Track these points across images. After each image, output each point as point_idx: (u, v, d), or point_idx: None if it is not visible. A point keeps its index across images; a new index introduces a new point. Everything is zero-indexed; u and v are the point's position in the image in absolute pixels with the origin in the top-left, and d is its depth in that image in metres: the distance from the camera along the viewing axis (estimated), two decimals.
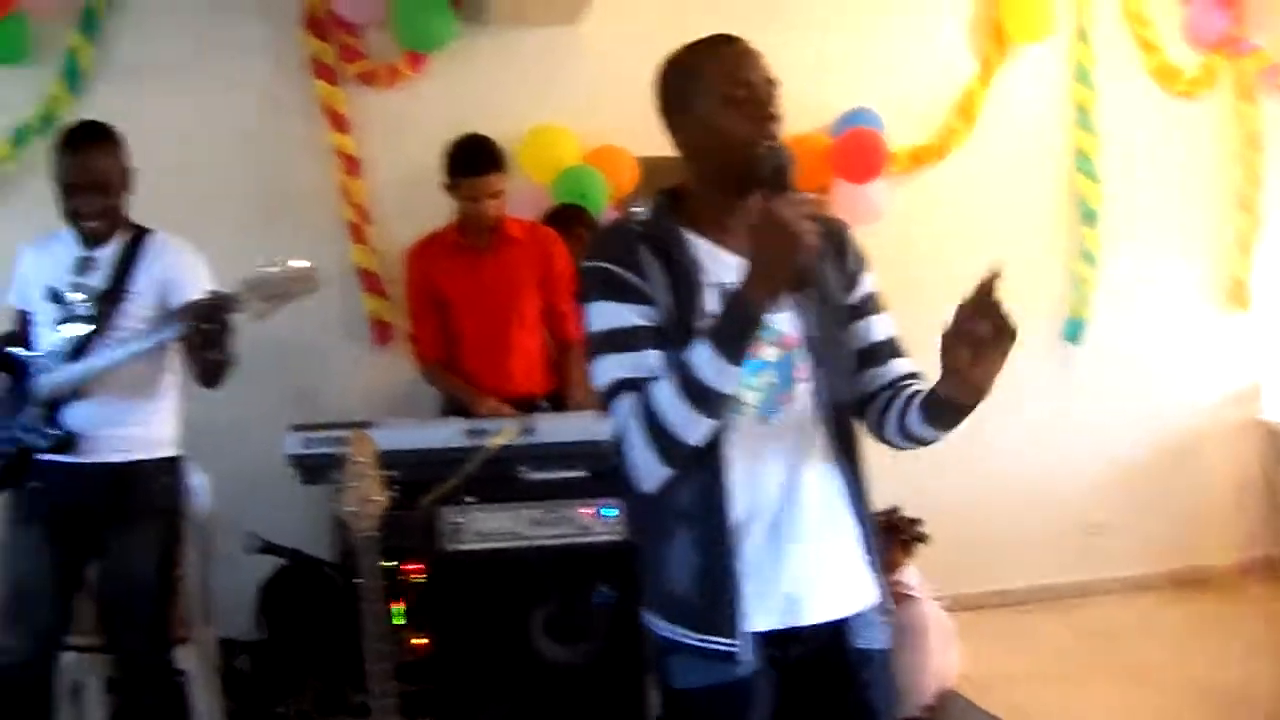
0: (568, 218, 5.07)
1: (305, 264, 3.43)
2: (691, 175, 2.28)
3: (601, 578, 3.94)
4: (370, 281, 5.38)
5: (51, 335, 3.69)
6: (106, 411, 3.68)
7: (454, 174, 4.54)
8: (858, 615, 2.29)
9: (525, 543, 3.92)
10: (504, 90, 5.46)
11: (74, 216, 3.70)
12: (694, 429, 2.06)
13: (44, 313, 3.74)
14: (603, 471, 3.82)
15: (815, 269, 2.12)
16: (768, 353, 2.19)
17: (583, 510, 3.93)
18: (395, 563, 3.71)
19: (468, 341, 4.75)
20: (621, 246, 2.21)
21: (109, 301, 3.66)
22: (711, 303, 2.15)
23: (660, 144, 2.33)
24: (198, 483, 4.16)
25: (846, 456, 2.29)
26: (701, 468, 2.15)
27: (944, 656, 4.50)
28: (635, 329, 2.14)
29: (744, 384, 2.12)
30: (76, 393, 3.65)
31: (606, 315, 2.16)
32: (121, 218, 3.77)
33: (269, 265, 3.39)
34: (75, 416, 3.66)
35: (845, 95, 5.81)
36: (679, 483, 2.15)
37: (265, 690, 4.59)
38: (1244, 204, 6.47)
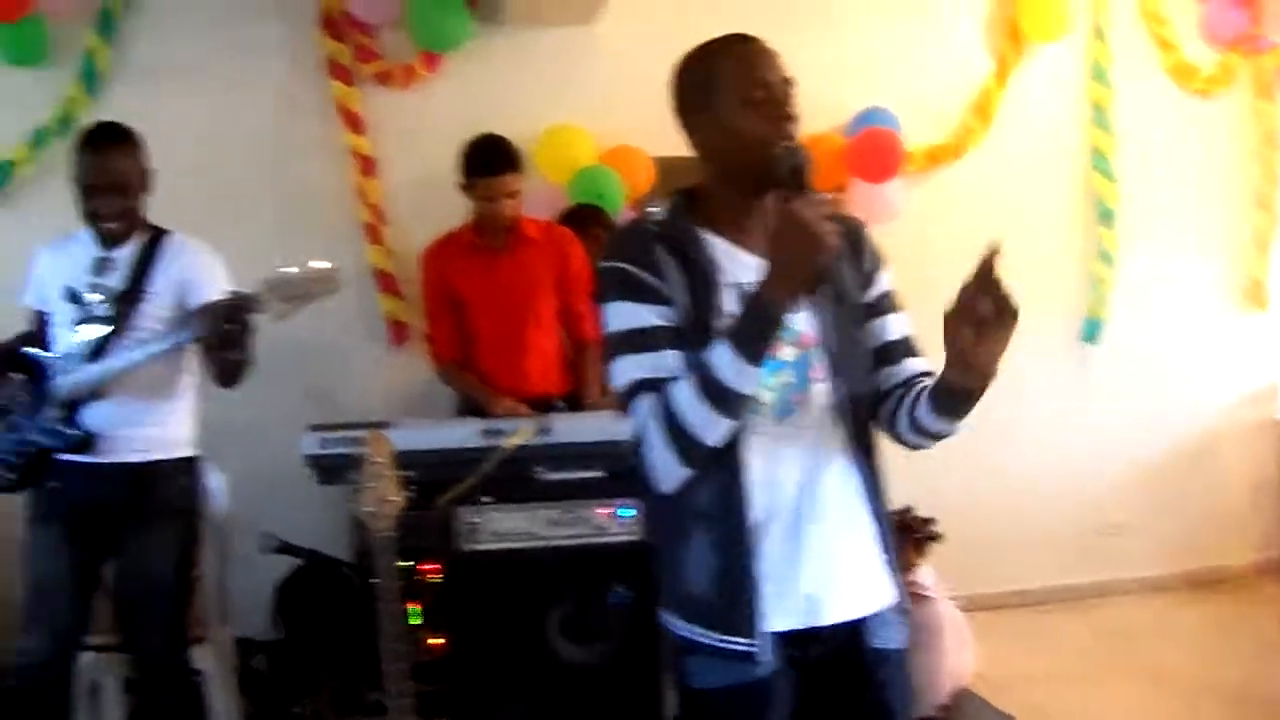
0: (584, 218, 5.07)
1: (326, 265, 3.43)
2: (708, 175, 2.28)
3: (618, 578, 3.94)
4: (386, 282, 5.39)
5: (69, 336, 3.70)
6: (125, 412, 3.69)
7: (470, 174, 4.54)
8: (875, 615, 2.29)
9: (541, 543, 3.92)
10: (519, 90, 5.46)
11: (93, 217, 3.70)
12: (713, 429, 2.06)
13: (62, 313, 3.74)
14: (619, 472, 3.82)
15: (834, 268, 2.12)
16: (785, 352, 2.18)
17: (599, 510, 3.93)
18: (412, 563, 3.71)
19: (484, 342, 4.75)
20: (638, 247, 2.21)
21: (127, 302, 3.67)
22: (729, 302, 2.16)
23: (676, 144, 2.33)
24: (215, 483, 4.17)
25: (863, 456, 2.29)
26: (720, 468, 2.15)
27: (959, 656, 4.49)
28: (653, 329, 2.14)
29: (761, 384, 2.12)
30: (95, 393, 3.65)
31: (624, 316, 2.16)
32: (140, 219, 3.78)
33: (289, 266, 3.39)
34: (94, 417, 3.67)
35: (861, 95, 5.79)
36: (697, 483, 2.15)
37: (282, 690, 4.60)
38: (1262, 202, 6.44)
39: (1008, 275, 1.97)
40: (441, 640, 3.89)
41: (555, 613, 4.00)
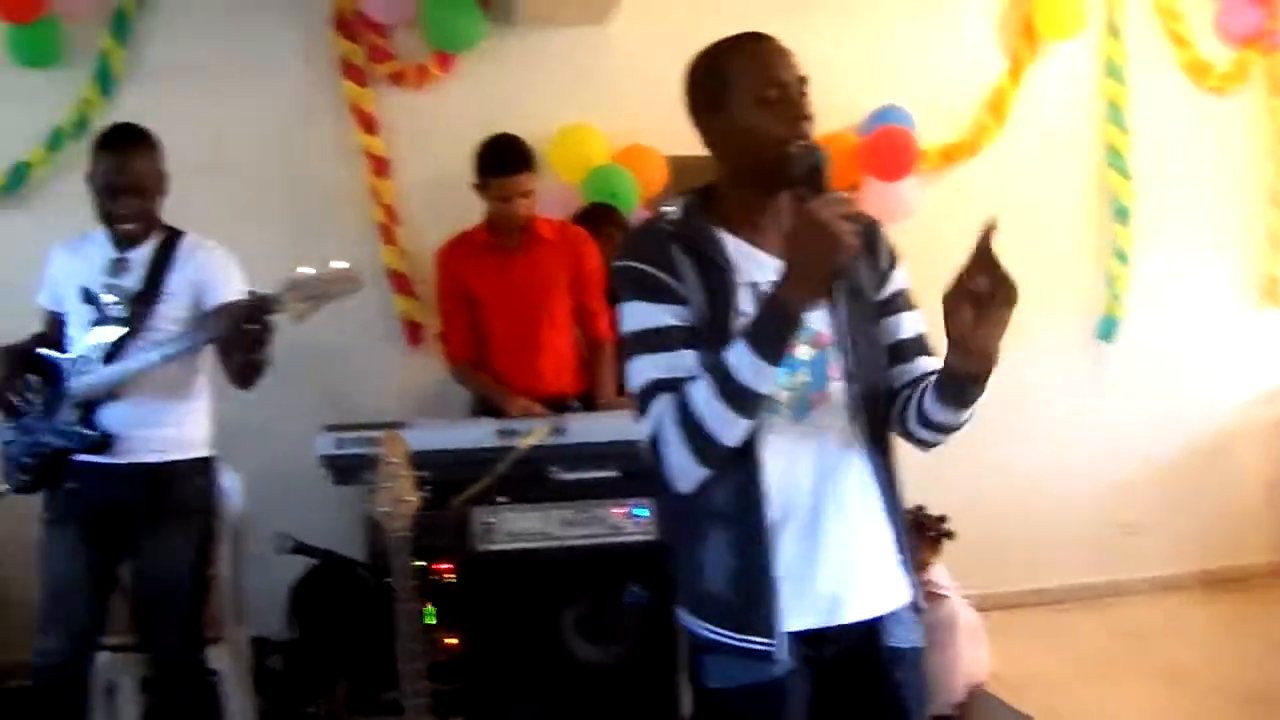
0: (598, 217, 5.07)
1: (345, 265, 3.43)
2: (722, 174, 2.27)
3: (633, 578, 3.94)
4: (400, 282, 5.39)
5: (84, 336, 3.70)
6: (141, 412, 3.69)
7: (484, 174, 4.54)
8: (891, 614, 2.28)
9: (556, 543, 3.92)
10: (533, 90, 5.47)
11: (110, 218, 3.70)
12: (731, 429, 2.06)
13: (77, 314, 3.74)
14: (634, 471, 3.81)
15: (851, 267, 2.12)
16: (801, 351, 2.18)
17: (614, 510, 3.93)
18: (427, 563, 3.71)
19: (498, 341, 4.75)
20: (654, 246, 2.20)
21: (143, 303, 3.67)
22: (745, 302, 2.15)
23: (689, 143, 2.32)
24: (230, 483, 4.17)
25: (879, 454, 2.28)
26: (737, 468, 2.14)
27: (974, 654, 4.50)
28: (669, 329, 2.14)
29: (778, 383, 2.11)
30: (111, 394, 3.66)
31: (640, 316, 2.16)
32: (156, 220, 3.78)
33: (309, 266, 3.39)
34: (110, 417, 3.67)
35: (875, 93, 5.79)
36: (714, 483, 2.15)
37: (297, 689, 4.60)
38: (1276, 200, 6.42)
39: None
40: (457, 640, 3.89)
41: (570, 612, 4.01)
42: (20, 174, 5.04)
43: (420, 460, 3.23)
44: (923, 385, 2.23)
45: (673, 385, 2.10)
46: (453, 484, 3.79)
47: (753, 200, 2.23)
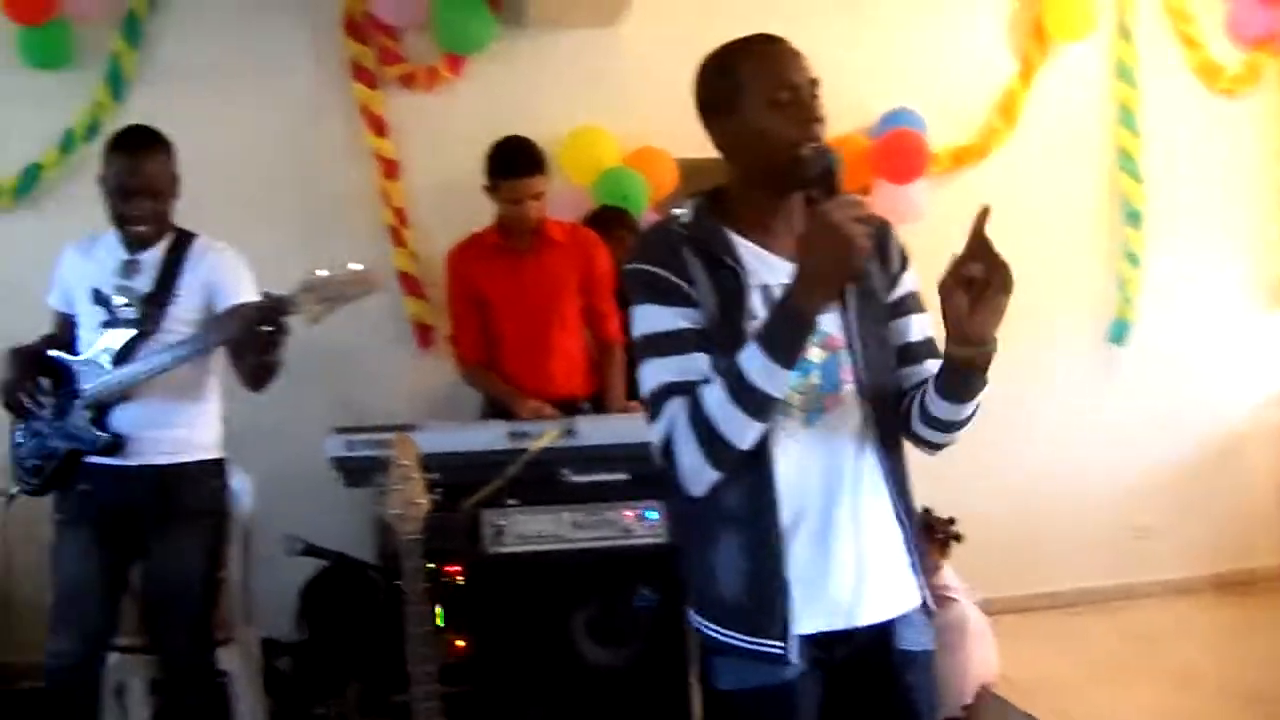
0: (608, 219, 5.07)
1: (361, 267, 3.42)
2: (733, 176, 2.27)
3: (643, 580, 3.94)
4: (411, 285, 5.40)
5: (95, 338, 3.71)
6: (152, 414, 3.69)
7: (495, 176, 4.54)
8: (902, 617, 2.28)
9: (567, 545, 3.91)
10: (543, 92, 5.47)
11: (124, 220, 3.71)
12: (744, 432, 2.06)
13: (88, 315, 3.75)
14: (645, 474, 3.80)
15: (863, 270, 2.12)
16: (813, 354, 2.17)
17: (625, 513, 3.92)
18: (437, 565, 3.71)
19: (508, 343, 4.74)
20: (665, 249, 2.20)
21: (154, 305, 3.68)
22: (756, 304, 2.15)
23: (700, 145, 2.32)
24: (240, 485, 4.17)
25: (890, 457, 2.28)
26: (749, 470, 2.13)
27: (982, 656, 4.49)
28: (680, 332, 2.13)
29: (790, 386, 2.11)
30: (123, 395, 3.66)
31: (651, 319, 2.16)
32: (168, 222, 3.79)
33: (324, 268, 3.38)
34: (122, 419, 3.68)
35: (886, 95, 5.79)
36: (726, 486, 2.14)
37: (306, 691, 4.61)
38: None
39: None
40: (466, 642, 3.88)
41: (581, 615, 4.00)
42: (32, 176, 5.05)
43: (431, 462, 3.23)
44: (926, 385, 2.23)
45: (685, 388, 2.10)
46: (463, 486, 3.78)
47: (764, 202, 2.23)
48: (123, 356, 3.64)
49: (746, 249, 2.20)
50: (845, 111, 5.41)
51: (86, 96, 5.07)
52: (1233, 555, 6.36)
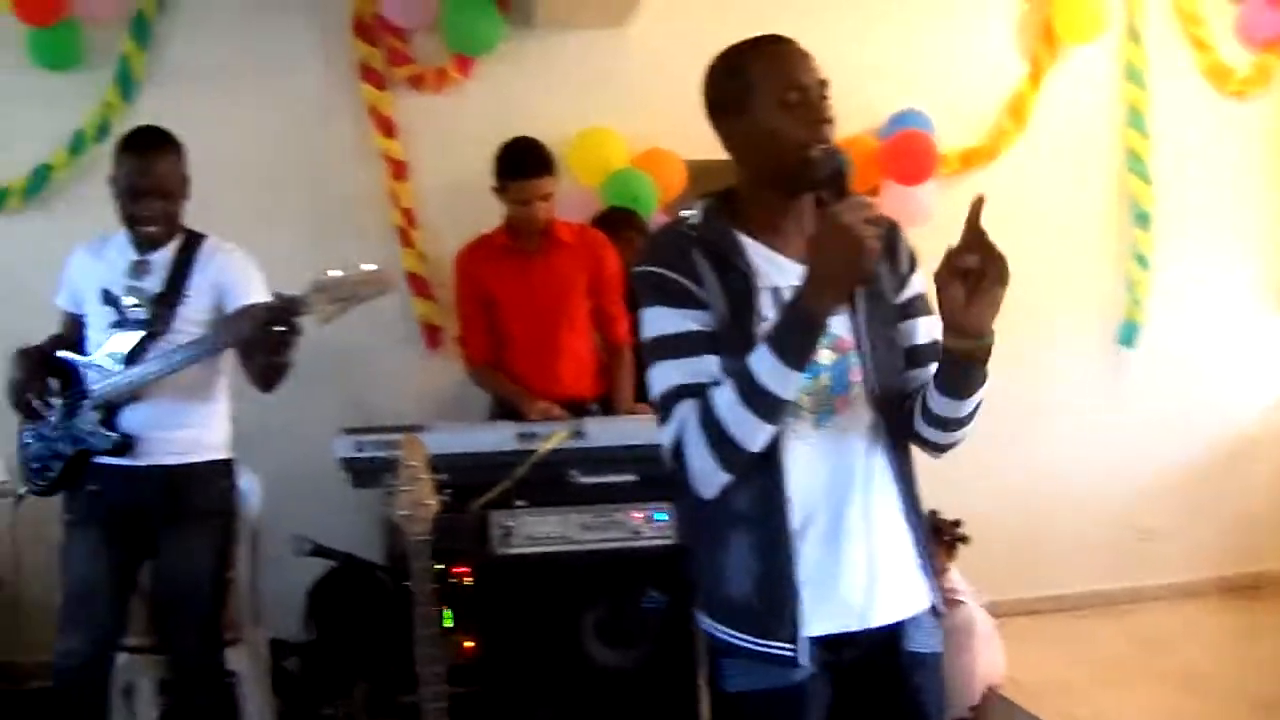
0: (617, 221, 5.07)
1: (374, 267, 3.42)
2: (743, 177, 2.27)
3: (652, 582, 3.93)
4: (419, 285, 5.40)
5: (104, 339, 3.71)
6: (161, 414, 3.70)
7: (503, 177, 4.54)
8: (911, 619, 2.28)
9: (576, 546, 3.92)
10: (552, 93, 5.47)
11: (134, 221, 3.71)
12: (754, 434, 2.05)
13: (97, 316, 3.76)
14: (653, 475, 3.81)
15: (874, 272, 2.12)
16: (823, 356, 2.17)
17: (633, 514, 3.93)
18: (445, 566, 3.71)
19: (517, 345, 4.75)
20: (675, 251, 2.20)
21: (164, 305, 3.68)
22: (766, 306, 2.15)
23: (709, 147, 2.32)
24: (248, 485, 4.18)
25: (899, 458, 2.28)
26: (759, 472, 2.13)
27: (989, 658, 4.49)
28: (690, 334, 2.13)
29: (800, 388, 2.10)
30: (132, 396, 3.66)
31: (661, 321, 2.16)
32: (178, 223, 3.79)
33: (337, 268, 3.38)
34: (131, 419, 3.68)
35: (895, 97, 5.78)
36: (736, 488, 2.14)
37: (314, 692, 4.61)
38: None
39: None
40: (475, 643, 3.88)
41: (589, 616, 4.00)
42: (42, 177, 5.06)
43: (439, 463, 3.22)
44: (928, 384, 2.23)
45: (695, 391, 2.10)
46: (472, 487, 3.78)
47: (774, 204, 2.22)
48: (132, 357, 3.64)
49: (756, 251, 2.20)
50: (854, 112, 5.40)
51: (96, 97, 5.08)
52: (1240, 558, 6.34)
